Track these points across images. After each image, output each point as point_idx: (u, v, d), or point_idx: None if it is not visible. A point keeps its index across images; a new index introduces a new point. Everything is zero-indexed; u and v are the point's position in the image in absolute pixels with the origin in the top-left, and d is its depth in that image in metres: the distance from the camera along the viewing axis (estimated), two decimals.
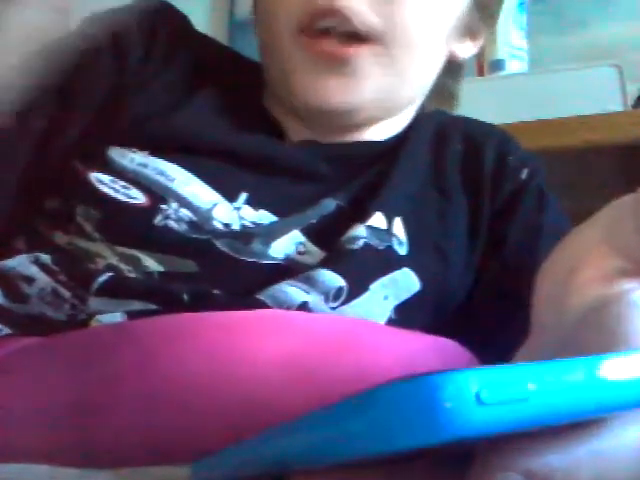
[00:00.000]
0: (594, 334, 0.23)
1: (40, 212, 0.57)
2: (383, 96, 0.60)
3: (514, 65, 1.21)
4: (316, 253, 0.54)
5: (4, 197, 0.59)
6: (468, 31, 0.66)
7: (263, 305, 0.48)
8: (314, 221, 0.56)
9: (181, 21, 0.67)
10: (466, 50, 0.68)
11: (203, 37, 0.69)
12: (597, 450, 0.19)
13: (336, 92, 0.57)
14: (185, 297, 0.48)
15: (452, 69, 0.69)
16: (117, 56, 0.61)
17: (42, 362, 0.41)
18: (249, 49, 0.69)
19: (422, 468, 0.20)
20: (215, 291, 0.49)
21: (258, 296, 0.49)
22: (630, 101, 1.07)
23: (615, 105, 1.04)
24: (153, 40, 0.63)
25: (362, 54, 0.57)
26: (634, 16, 1.35)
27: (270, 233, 0.53)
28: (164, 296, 0.49)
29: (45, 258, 0.52)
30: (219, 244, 0.52)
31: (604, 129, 0.97)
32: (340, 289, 0.51)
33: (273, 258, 0.52)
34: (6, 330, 0.50)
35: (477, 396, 0.16)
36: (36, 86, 0.59)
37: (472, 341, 0.47)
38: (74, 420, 0.37)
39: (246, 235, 0.53)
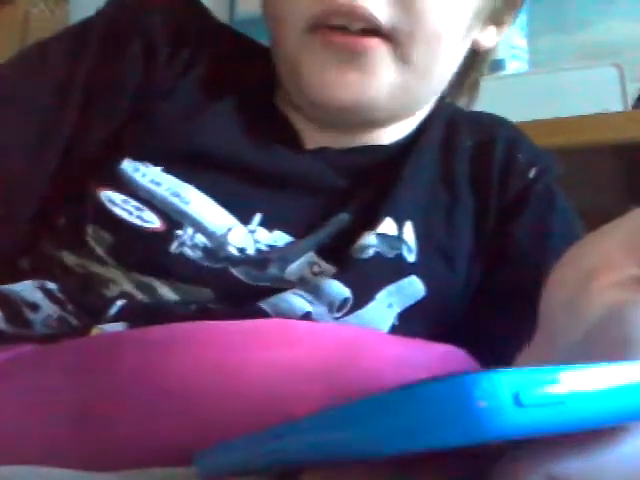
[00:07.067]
0: (609, 339, 0.23)
1: (46, 229, 0.55)
2: (399, 94, 0.56)
3: (514, 65, 1.21)
4: (330, 271, 0.52)
5: (26, 210, 0.56)
6: (491, 17, 0.62)
7: (264, 314, 0.48)
8: (327, 239, 0.54)
9: (204, 16, 0.64)
10: (490, 38, 0.63)
11: (223, 30, 0.65)
12: (620, 456, 0.19)
13: (348, 88, 0.53)
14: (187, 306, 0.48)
15: (475, 59, 0.66)
16: (146, 56, 0.58)
17: (41, 368, 0.41)
18: None
19: (433, 466, 0.20)
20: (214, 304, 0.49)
21: (260, 304, 0.48)
22: (630, 101, 1.07)
23: (615, 105, 1.04)
24: (179, 41, 0.60)
25: (378, 48, 0.53)
26: (634, 16, 1.35)
27: (285, 257, 0.52)
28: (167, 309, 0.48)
29: (51, 285, 0.50)
30: (235, 272, 0.51)
31: (604, 129, 0.97)
32: (345, 300, 0.50)
33: (288, 282, 0.51)
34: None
35: (516, 397, 0.16)
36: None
37: (475, 345, 0.47)
38: (75, 428, 0.37)
39: (262, 261, 0.51)
